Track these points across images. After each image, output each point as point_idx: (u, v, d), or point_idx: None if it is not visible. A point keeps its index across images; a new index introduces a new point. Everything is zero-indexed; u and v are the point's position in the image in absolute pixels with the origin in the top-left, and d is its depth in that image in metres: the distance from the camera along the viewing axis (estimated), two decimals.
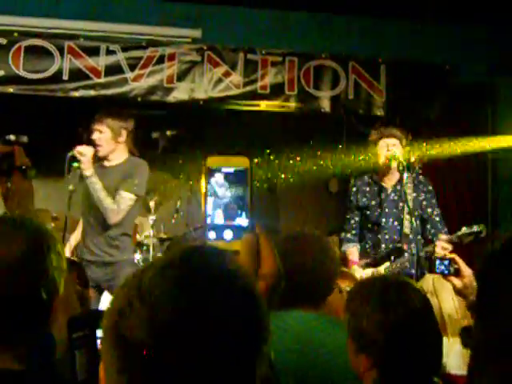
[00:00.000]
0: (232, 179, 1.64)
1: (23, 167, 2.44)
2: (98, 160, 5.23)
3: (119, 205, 5.05)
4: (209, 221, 1.57)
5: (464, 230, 5.00)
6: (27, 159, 2.96)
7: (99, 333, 3.65)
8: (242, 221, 1.58)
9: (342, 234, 5.71)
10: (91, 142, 5.18)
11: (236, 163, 1.64)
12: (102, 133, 5.15)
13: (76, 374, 3.32)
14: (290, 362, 2.48)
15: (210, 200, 1.59)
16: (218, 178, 1.66)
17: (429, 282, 3.39)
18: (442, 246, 4.89)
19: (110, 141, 5.16)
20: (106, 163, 5.29)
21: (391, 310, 2.12)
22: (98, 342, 3.74)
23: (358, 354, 2.17)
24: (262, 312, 1.14)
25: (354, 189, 5.65)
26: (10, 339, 1.75)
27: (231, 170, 1.64)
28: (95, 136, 5.16)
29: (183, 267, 1.12)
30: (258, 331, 1.12)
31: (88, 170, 4.96)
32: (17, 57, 6.57)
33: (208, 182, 1.60)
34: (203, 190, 1.59)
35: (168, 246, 6.11)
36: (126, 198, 5.07)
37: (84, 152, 4.96)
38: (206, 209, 1.58)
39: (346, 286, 3.19)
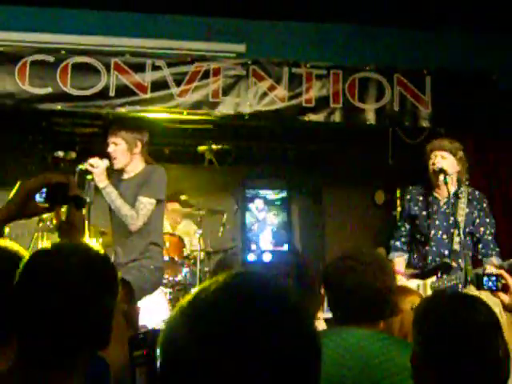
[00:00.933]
0: (274, 205, 1.67)
1: (77, 197, 2.46)
2: (113, 172, 5.36)
3: (138, 210, 5.07)
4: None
5: None
6: (79, 190, 3.00)
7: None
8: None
9: (391, 242, 5.71)
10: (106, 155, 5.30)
11: (277, 187, 1.67)
12: (117, 145, 5.24)
13: None
14: (339, 377, 2.51)
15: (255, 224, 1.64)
16: (258, 203, 1.69)
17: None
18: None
19: (125, 153, 5.25)
20: (125, 176, 5.40)
21: (461, 326, 2.13)
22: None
23: (426, 370, 2.18)
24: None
25: (408, 197, 5.64)
26: (64, 361, 1.79)
27: (272, 196, 1.67)
28: (110, 149, 5.26)
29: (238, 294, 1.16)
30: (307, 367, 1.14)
31: (102, 182, 5.07)
32: (64, 74, 6.67)
33: (248, 209, 1.64)
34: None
35: (217, 262, 6.16)
36: (145, 203, 5.09)
37: (96, 164, 5.07)
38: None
39: (414, 301, 3.21)
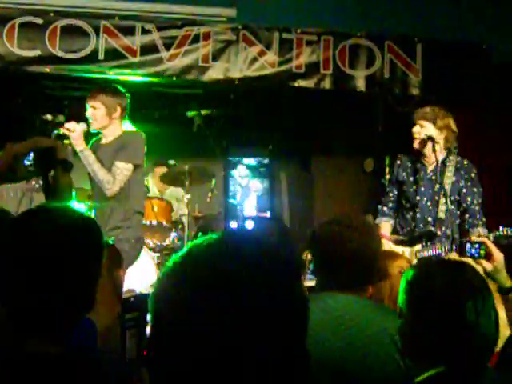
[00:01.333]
0: (257, 172, 1.71)
1: (64, 161, 2.47)
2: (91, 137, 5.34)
3: (114, 175, 5.04)
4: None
5: (502, 231, 4.95)
6: (66, 152, 2.99)
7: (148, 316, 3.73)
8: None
9: (379, 207, 5.73)
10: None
11: (260, 154, 1.71)
12: (96, 109, 5.20)
13: (126, 352, 3.45)
14: (327, 342, 2.54)
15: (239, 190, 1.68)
16: (241, 169, 1.73)
17: None
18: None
19: (104, 116, 5.21)
20: (103, 140, 5.35)
21: (453, 291, 2.16)
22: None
23: (415, 338, 2.20)
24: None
25: (398, 162, 5.65)
26: (49, 323, 1.81)
27: (253, 162, 1.71)
28: (89, 112, 5.22)
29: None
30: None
31: (79, 146, 5.01)
32: (53, 37, 6.63)
33: (231, 175, 1.68)
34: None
35: (199, 226, 6.18)
36: (121, 168, 5.06)
37: (73, 128, 4.99)
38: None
39: (402, 266, 3.25)
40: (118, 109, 5.23)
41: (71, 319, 1.87)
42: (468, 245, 3.02)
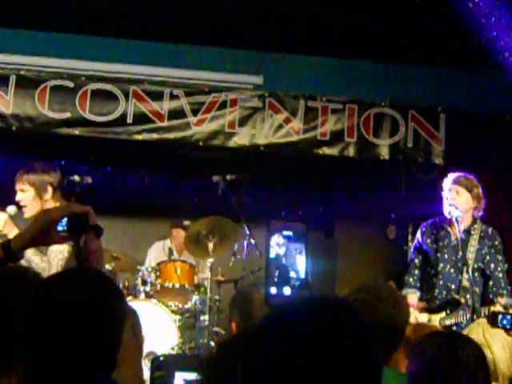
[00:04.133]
0: (291, 240, 1.88)
1: (96, 226, 2.58)
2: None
3: (49, 261, 4.45)
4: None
5: None
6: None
7: (178, 375, 3.85)
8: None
9: (406, 277, 5.81)
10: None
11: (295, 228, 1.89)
12: (25, 192, 4.68)
13: None
14: None
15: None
16: (279, 238, 1.90)
17: (479, 333, 3.49)
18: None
19: (35, 199, 4.68)
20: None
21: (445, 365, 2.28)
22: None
23: None
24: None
25: (423, 229, 5.77)
26: None
27: (290, 233, 1.89)
28: (18, 197, 4.70)
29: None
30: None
31: (10, 233, 4.42)
32: (83, 100, 6.90)
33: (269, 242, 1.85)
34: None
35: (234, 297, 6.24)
36: (56, 252, 4.47)
37: None
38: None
39: None
40: (49, 189, 4.71)
41: (93, 380, 1.91)
42: (500, 316, 3.13)
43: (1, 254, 2.41)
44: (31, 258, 4.34)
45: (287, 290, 1.88)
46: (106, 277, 2.05)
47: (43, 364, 1.83)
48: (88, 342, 1.85)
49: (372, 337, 1.39)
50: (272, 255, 1.78)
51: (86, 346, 1.84)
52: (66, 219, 2.45)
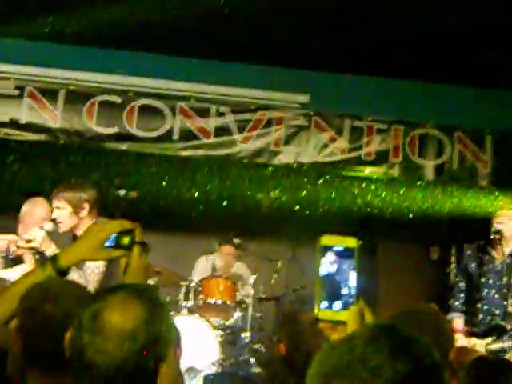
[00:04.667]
0: (343, 256, 1.90)
1: (143, 243, 2.61)
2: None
3: (86, 276, 4.45)
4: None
5: None
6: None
7: None
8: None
9: (451, 300, 5.80)
10: None
11: (346, 243, 1.90)
12: (61, 209, 4.69)
13: None
14: None
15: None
16: (330, 256, 1.92)
17: None
18: None
19: (71, 217, 4.69)
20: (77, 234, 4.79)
21: None
22: None
23: None
24: None
25: (468, 252, 5.77)
26: None
27: (341, 248, 1.91)
28: (54, 214, 4.72)
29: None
30: None
31: (48, 249, 4.51)
32: (131, 115, 6.97)
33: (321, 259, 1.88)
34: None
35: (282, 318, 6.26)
36: (92, 268, 4.48)
37: (33, 237, 4.55)
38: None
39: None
40: (86, 206, 4.71)
41: None
42: None
43: (50, 270, 2.44)
44: (70, 273, 4.34)
45: (337, 305, 1.91)
46: (158, 296, 2.04)
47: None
48: (138, 361, 1.84)
49: None
50: (324, 272, 1.81)
51: (136, 365, 1.83)
52: (114, 235, 2.48)
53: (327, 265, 2.05)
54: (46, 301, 2.26)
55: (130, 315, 1.86)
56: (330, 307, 1.94)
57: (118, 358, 1.81)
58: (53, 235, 4.66)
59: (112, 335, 1.83)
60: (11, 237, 5.07)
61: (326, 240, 1.96)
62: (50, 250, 4.48)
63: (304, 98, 7.26)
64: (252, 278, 7.18)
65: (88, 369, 1.82)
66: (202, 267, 7.64)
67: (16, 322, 2.31)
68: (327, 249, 1.99)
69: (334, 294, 2.02)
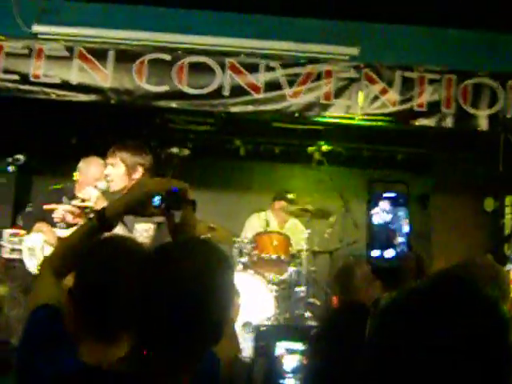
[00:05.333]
0: (395, 203, 1.89)
1: (193, 201, 2.61)
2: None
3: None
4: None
5: None
6: None
7: (279, 345, 3.91)
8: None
9: (508, 252, 5.78)
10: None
11: (397, 189, 1.89)
12: (115, 167, 4.74)
13: (252, 379, 3.59)
14: None
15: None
16: (382, 204, 1.91)
17: None
18: None
19: (123, 177, 4.72)
20: None
21: None
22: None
23: None
24: None
25: None
26: (183, 357, 1.88)
27: (392, 195, 1.89)
28: (107, 170, 4.79)
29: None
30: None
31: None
32: (180, 73, 6.98)
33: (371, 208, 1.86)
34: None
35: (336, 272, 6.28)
36: (140, 231, 4.51)
37: (88, 196, 4.69)
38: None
39: None
40: (140, 169, 4.75)
41: (203, 352, 1.96)
42: None
43: (95, 223, 2.46)
44: (119, 230, 4.32)
45: (389, 253, 1.89)
46: (218, 247, 2.03)
47: (154, 335, 1.85)
48: (200, 313, 1.86)
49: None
50: (376, 221, 1.80)
51: (198, 317, 1.85)
52: (164, 193, 2.47)
53: (379, 213, 2.05)
54: (101, 269, 2.26)
55: (192, 262, 1.88)
56: (381, 255, 1.95)
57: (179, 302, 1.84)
58: (106, 194, 4.74)
59: (174, 279, 1.86)
60: (65, 207, 5.16)
61: (378, 187, 1.95)
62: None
63: (354, 50, 7.20)
64: (306, 233, 7.20)
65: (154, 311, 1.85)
66: (253, 224, 7.69)
67: (71, 283, 2.33)
68: (379, 197, 1.98)
69: (386, 242, 2.02)
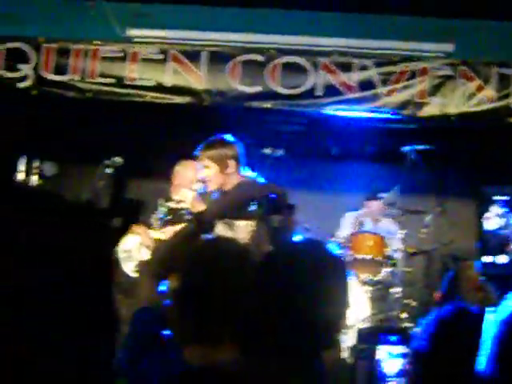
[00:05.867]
0: (505, 208, 1.81)
1: (291, 206, 2.60)
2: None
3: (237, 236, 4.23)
4: None
5: None
6: None
7: (381, 348, 3.84)
8: None
9: None
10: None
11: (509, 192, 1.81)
12: (207, 168, 4.74)
13: (356, 380, 3.51)
14: None
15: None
16: (493, 208, 1.84)
17: None
18: None
19: (217, 175, 4.69)
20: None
21: None
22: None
23: None
24: None
25: None
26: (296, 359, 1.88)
27: (505, 198, 1.81)
28: (202, 173, 4.79)
29: None
30: None
31: (198, 209, 4.45)
32: (274, 73, 6.99)
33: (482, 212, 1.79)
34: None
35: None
36: (242, 227, 4.28)
37: (183, 197, 4.71)
38: None
39: None
40: (231, 162, 4.71)
41: (314, 356, 1.96)
42: None
43: (195, 226, 2.45)
44: (221, 233, 4.30)
45: (502, 259, 1.83)
46: (333, 250, 2.06)
47: (265, 337, 1.86)
48: (313, 317, 1.86)
49: None
50: (489, 226, 1.74)
51: (311, 321, 1.85)
52: (260, 199, 2.46)
53: (492, 218, 2.00)
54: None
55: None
56: (492, 261, 1.90)
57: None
58: (203, 196, 4.76)
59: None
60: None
61: (486, 190, 1.90)
62: (200, 209, 4.49)
63: (448, 47, 7.12)
64: (400, 233, 7.13)
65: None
66: (347, 224, 7.65)
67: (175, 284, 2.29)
68: (489, 200, 1.93)
69: (498, 248, 1.98)
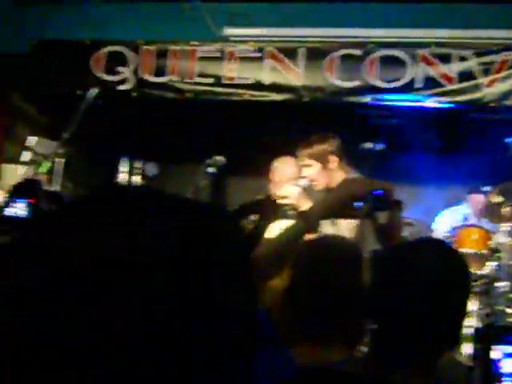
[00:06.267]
0: None
1: (399, 202, 2.52)
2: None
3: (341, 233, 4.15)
4: None
5: None
6: None
7: (497, 348, 3.72)
8: None
9: None
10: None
11: None
12: (309, 167, 4.58)
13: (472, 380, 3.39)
14: None
15: None
16: None
17: None
18: None
19: (321, 173, 4.55)
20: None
21: None
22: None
23: None
24: None
25: None
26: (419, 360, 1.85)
27: None
28: (304, 173, 4.60)
29: None
30: None
31: (303, 207, 4.22)
32: (371, 67, 6.96)
33: None
34: None
35: None
36: (343, 229, 4.24)
37: (287, 193, 4.39)
38: None
39: None
40: (332, 158, 4.57)
41: (439, 356, 1.89)
42: None
43: (302, 225, 2.41)
44: (324, 229, 4.22)
45: None
46: (453, 248, 2.04)
47: (385, 336, 1.85)
48: (442, 315, 1.83)
49: None
50: None
51: (437, 319, 1.82)
52: (367, 196, 2.41)
53: None
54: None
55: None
56: None
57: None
58: (309, 193, 4.71)
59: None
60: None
61: None
62: (305, 207, 4.20)
63: None
64: (507, 226, 6.99)
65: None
66: (450, 218, 7.55)
67: (287, 283, 2.26)
68: None
69: None
